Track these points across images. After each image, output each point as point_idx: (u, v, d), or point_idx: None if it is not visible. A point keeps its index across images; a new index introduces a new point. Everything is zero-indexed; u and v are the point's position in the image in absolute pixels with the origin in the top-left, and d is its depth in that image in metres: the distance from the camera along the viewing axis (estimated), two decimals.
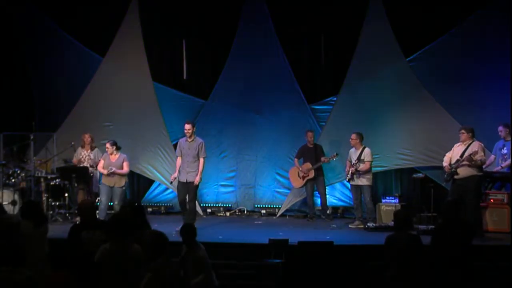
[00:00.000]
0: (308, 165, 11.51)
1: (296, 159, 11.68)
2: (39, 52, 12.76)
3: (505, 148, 10.24)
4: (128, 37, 12.27)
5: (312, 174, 11.45)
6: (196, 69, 13.04)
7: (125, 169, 10.76)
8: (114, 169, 10.58)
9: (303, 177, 11.54)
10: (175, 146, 11.02)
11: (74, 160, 11.55)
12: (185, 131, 10.29)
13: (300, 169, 11.55)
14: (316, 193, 11.68)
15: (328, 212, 11.60)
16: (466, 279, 6.60)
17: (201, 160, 10.27)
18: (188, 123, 10.33)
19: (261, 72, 12.31)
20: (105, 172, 10.66)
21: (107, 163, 10.73)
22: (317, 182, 11.51)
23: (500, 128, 10.25)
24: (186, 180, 10.23)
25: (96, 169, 11.14)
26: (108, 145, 10.83)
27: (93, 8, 12.37)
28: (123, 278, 5.64)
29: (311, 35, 12.49)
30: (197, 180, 10.22)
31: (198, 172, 10.20)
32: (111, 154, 10.78)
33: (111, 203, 10.70)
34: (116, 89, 12.37)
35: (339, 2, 11.90)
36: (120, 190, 10.66)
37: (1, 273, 4.78)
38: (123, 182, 10.71)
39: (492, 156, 10.41)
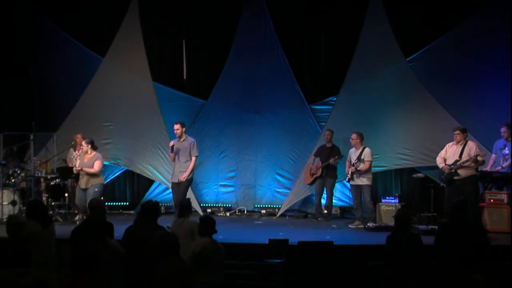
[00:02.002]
0: (319, 163, 11.49)
1: (312, 156, 11.62)
2: (39, 52, 12.76)
3: (506, 148, 10.23)
4: (128, 37, 12.27)
5: (319, 173, 11.43)
6: (196, 69, 13.05)
7: (95, 168, 10.30)
8: (83, 168, 10.33)
9: (312, 174, 11.53)
10: None
11: (67, 160, 11.55)
12: (174, 131, 10.37)
13: (311, 166, 11.55)
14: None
15: (331, 213, 11.55)
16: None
17: (193, 158, 10.30)
18: (176, 123, 10.43)
19: (261, 72, 12.31)
20: (75, 170, 10.49)
21: (80, 163, 10.47)
22: (326, 182, 11.45)
23: (504, 129, 10.20)
24: (178, 181, 10.26)
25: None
26: (83, 142, 10.55)
27: (93, 8, 12.38)
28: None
29: (311, 35, 12.49)
30: (183, 177, 10.21)
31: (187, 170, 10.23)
32: (86, 153, 10.50)
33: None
34: (116, 89, 12.36)
35: (339, 2, 11.90)
36: (92, 190, 10.20)
37: (7, 276, 4.70)
38: (96, 182, 10.33)
39: (494, 156, 10.40)
